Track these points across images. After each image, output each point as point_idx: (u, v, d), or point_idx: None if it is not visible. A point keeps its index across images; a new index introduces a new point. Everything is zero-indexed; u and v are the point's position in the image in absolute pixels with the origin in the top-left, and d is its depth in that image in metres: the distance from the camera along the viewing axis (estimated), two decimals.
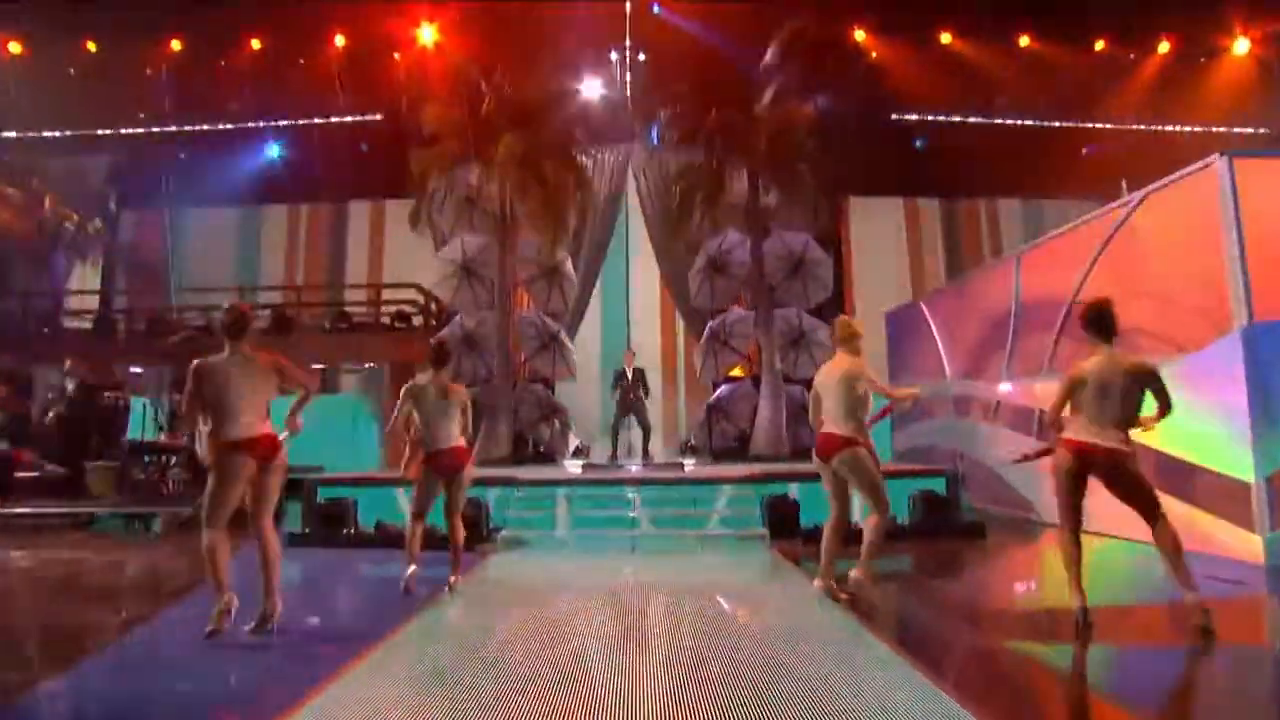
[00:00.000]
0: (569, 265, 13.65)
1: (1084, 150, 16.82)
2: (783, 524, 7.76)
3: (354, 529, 7.80)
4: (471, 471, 5.45)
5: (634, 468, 9.61)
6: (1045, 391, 8.10)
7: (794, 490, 8.26)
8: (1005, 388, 9.09)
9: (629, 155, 14.75)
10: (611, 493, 8.13)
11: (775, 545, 7.37)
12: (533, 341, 13.81)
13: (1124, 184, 7.83)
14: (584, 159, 13.34)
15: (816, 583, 5.13)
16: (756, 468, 11.01)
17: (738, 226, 13.90)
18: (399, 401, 5.31)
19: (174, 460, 10.81)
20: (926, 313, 11.32)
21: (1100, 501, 4.20)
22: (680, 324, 15.03)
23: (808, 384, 13.89)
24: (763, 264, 12.84)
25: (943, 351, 10.70)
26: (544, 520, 7.81)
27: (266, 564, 4.34)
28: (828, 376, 5.03)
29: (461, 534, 5.46)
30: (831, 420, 4.92)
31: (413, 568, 5.31)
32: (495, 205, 12.86)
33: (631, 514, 7.75)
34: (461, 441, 5.28)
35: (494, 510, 8.02)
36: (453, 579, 5.39)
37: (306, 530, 7.84)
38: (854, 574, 4.96)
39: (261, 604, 4.31)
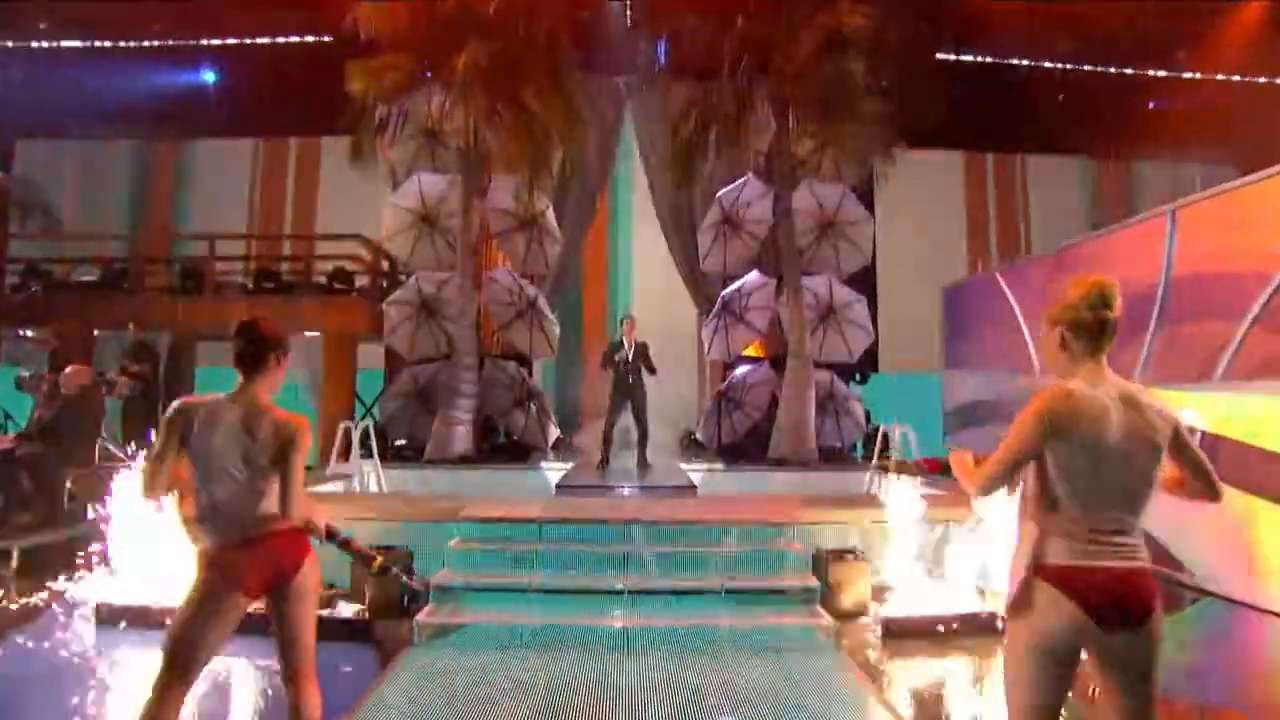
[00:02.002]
0: (551, 216, 10.90)
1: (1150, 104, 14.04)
2: (848, 599, 5.24)
3: None
4: (312, 582, 2.75)
5: (625, 490, 7.01)
6: (1214, 404, 5.57)
7: (857, 540, 5.76)
8: None
9: (628, 86, 11.88)
10: (593, 542, 5.54)
11: (841, 639, 4.85)
12: (505, 309, 11.11)
13: None
14: (573, 84, 10.51)
15: None
16: (781, 479, 8.54)
17: (759, 174, 11.21)
18: (157, 437, 2.64)
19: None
20: (1005, 288, 8.70)
21: None
22: (685, 292, 12.26)
23: (840, 370, 11.61)
24: (791, 221, 10.12)
25: (1030, 340, 8.12)
26: (490, 597, 5.18)
27: None
28: (1101, 419, 2.24)
29: (313, 708, 2.77)
30: (1114, 521, 2.22)
31: None
32: (461, 139, 10.13)
33: (619, 585, 5.15)
34: (285, 522, 2.61)
35: (420, 564, 5.46)
36: None
37: None
38: None
39: None
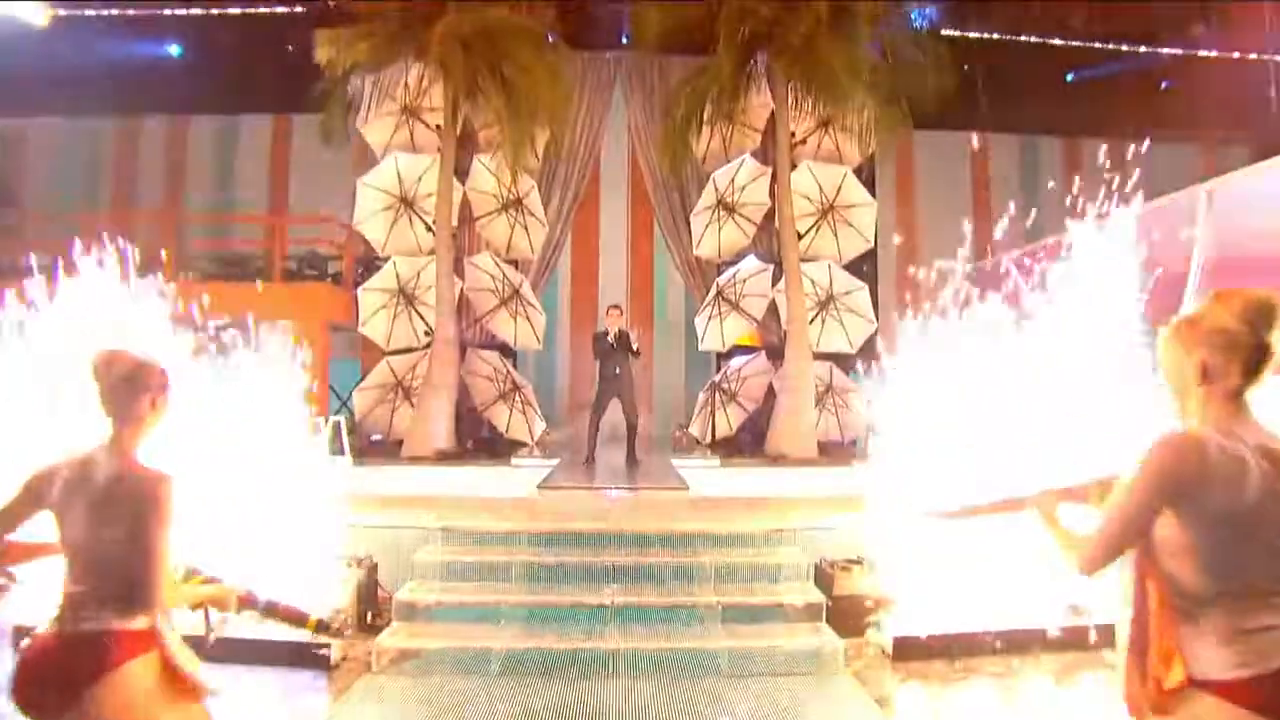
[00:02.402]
0: (536, 198, 10.34)
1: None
2: (855, 615, 4.77)
3: None
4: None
5: (613, 493, 6.50)
6: None
7: (860, 542, 5.28)
8: None
9: (619, 61, 11.29)
10: (576, 550, 5.05)
11: (849, 660, 4.39)
12: (488, 296, 10.57)
13: None
14: (559, 58, 9.94)
15: None
16: (779, 477, 8.06)
17: (756, 155, 10.69)
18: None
19: None
20: None
21: None
22: (678, 279, 11.72)
23: (837, 359, 11.13)
24: (790, 204, 9.61)
25: None
26: (460, 614, 4.68)
27: None
28: (1238, 480, 1.61)
29: None
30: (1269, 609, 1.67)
31: None
32: (440, 115, 9.58)
33: (607, 599, 4.67)
34: (131, 615, 2.03)
35: (386, 577, 4.98)
36: None
37: None
38: None
39: None
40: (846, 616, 4.75)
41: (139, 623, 1.94)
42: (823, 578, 4.99)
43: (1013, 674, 4.31)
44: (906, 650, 4.46)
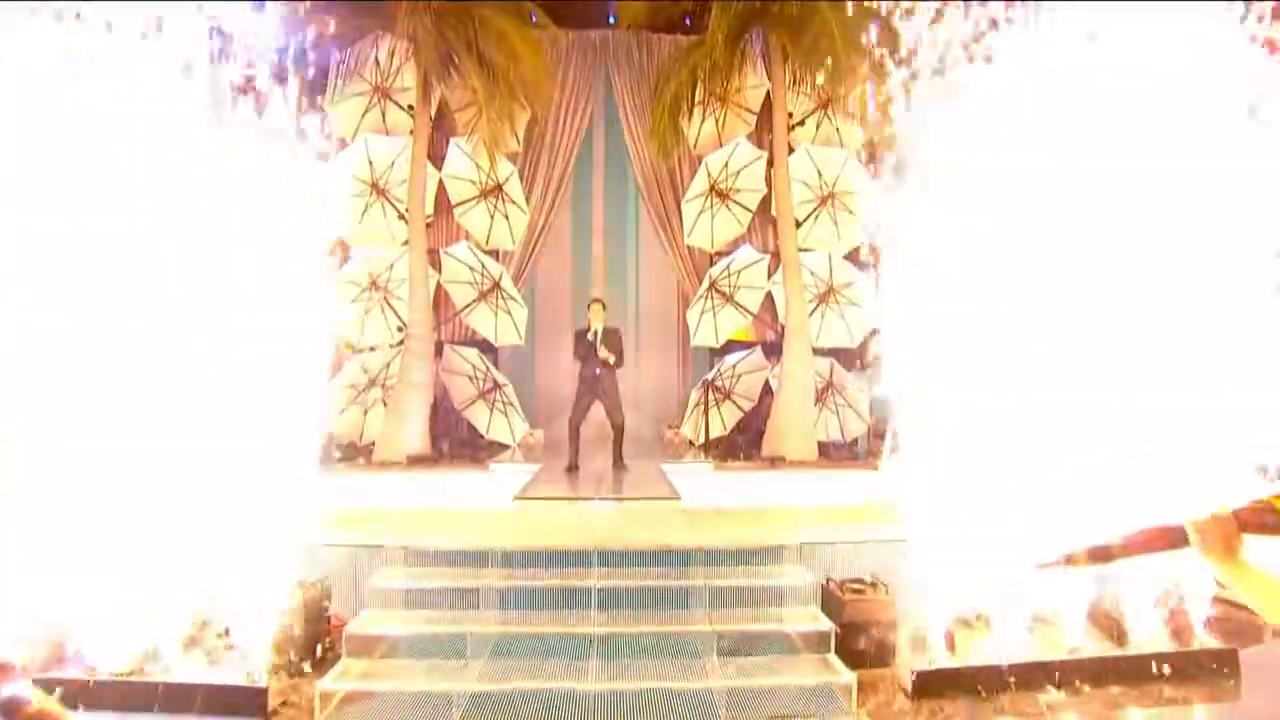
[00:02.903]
0: (517, 184, 9.76)
1: None
2: (869, 644, 4.24)
3: None
4: None
5: (597, 505, 5.92)
6: None
7: (868, 558, 4.78)
8: None
9: (605, 41, 10.70)
10: (554, 572, 4.50)
11: (863, 698, 3.86)
12: (466, 289, 9.99)
13: None
14: (541, 34, 9.36)
15: None
16: (778, 481, 7.54)
17: (752, 138, 10.14)
18: None
19: None
20: None
21: None
22: (668, 270, 11.15)
23: (838, 355, 10.60)
24: (788, 190, 9.05)
25: None
26: (421, 648, 4.12)
27: None
28: None
29: None
30: None
31: None
32: (413, 95, 8.99)
33: (588, 628, 4.13)
34: None
35: (340, 604, 4.43)
36: None
37: None
38: None
39: None
40: (858, 646, 4.24)
41: None
42: (831, 601, 4.47)
43: (1050, 714, 3.80)
44: (929, 685, 3.94)
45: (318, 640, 4.24)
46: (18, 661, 3.42)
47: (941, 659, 4.09)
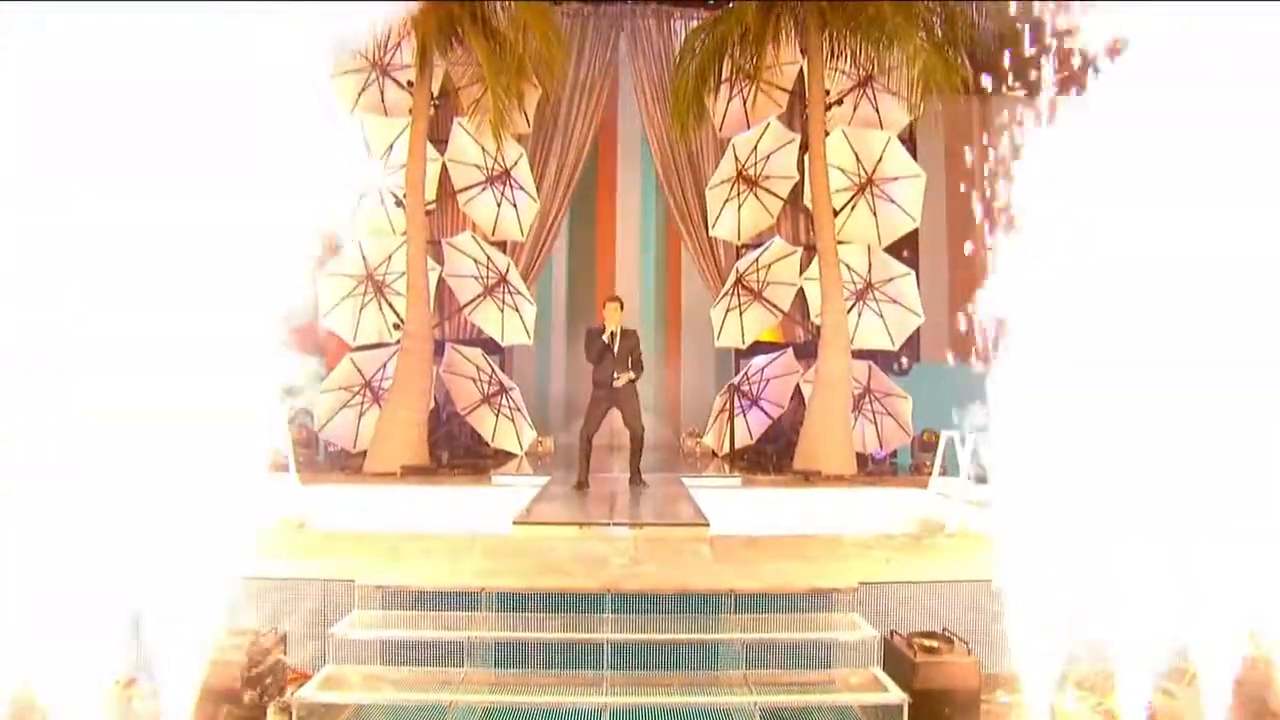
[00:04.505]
0: (526, 170, 9.02)
1: None
2: (943, 714, 3.43)
3: None
4: None
5: (617, 530, 5.15)
6: None
7: (932, 604, 3.98)
8: None
9: (624, 13, 9.95)
10: (559, 617, 3.74)
11: None
12: (470, 284, 9.27)
13: None
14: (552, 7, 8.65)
15: None
16: (814, 501, 6.74)
17: (783, 119, 9.35)
18: None
19: None
20: None
21: None
22: (690, 264, 10.35)
23: (877, 357, 9.74)
24: (824, 176, 8.23)
25: None
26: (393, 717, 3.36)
27: None
28: None
29: None
30: None
31: None
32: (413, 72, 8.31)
33: (599, 697, 3.37)
34: None
35: (298, 655, 3.69)
36: None
37: None
38: None
39: None
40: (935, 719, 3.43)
41: None
42: (898, 661, 3.66)
43: None
44: None
45: (265, 703, 3.49)
46: None
47: None
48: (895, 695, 3.44)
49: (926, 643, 3.67)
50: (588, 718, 3.33)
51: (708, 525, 5.12)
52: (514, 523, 5.08)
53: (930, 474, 7.06)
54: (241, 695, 3.34)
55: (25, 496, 3.11)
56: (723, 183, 9.25)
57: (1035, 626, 3.40)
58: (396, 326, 8.81)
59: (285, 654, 3.73)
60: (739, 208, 9.47)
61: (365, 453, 8.07)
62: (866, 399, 9.18)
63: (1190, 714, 3.36)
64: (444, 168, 9.22)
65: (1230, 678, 3.30)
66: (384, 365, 8.90)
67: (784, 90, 9.41)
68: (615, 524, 5.19)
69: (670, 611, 3.85)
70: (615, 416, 6.93)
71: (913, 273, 9.20)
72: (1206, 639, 3.28)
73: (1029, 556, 3.39)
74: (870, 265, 9.32)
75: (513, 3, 7.79)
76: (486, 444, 9.12)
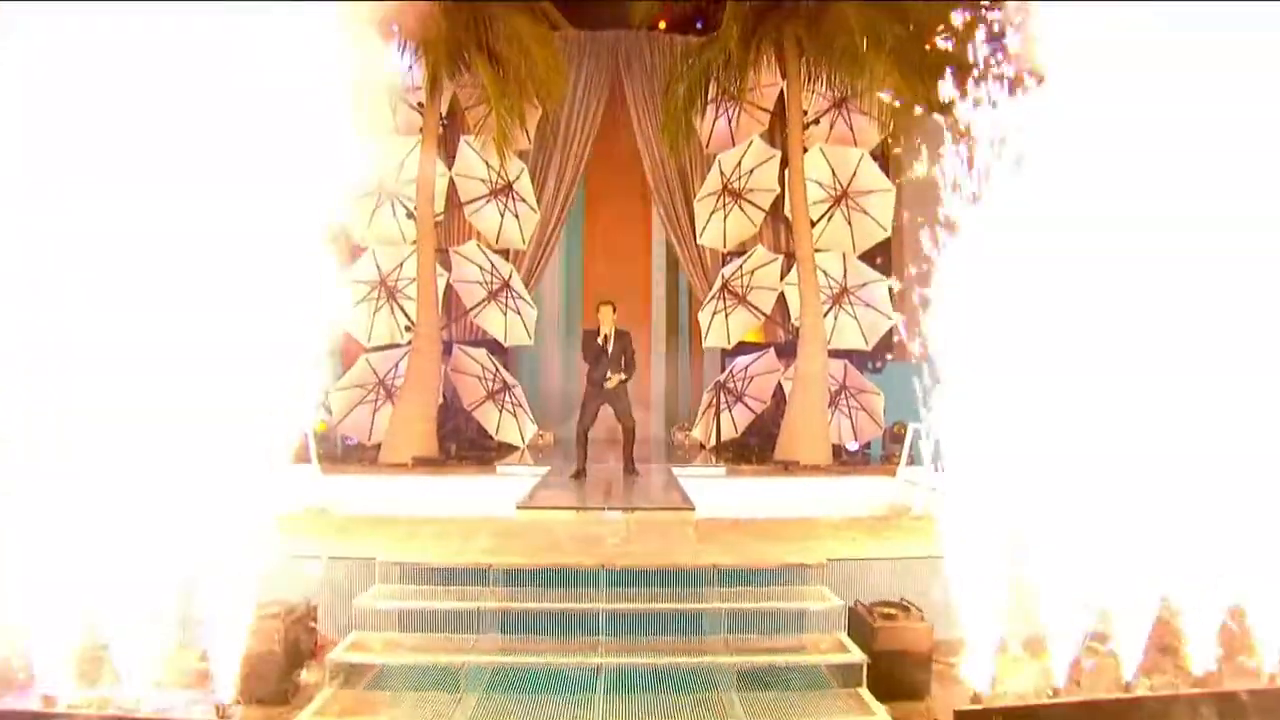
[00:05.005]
0: (528, 183, 9.26)
1: None
2: (902, 676, 3.71)
3: None
4: None
5: (606, 515, 5.42)
6: None
7: (899, 578, 4.25)
8: None
9: (618, 40, 10.17)
10: (559, 592, 4.00)
11: None
12: (475, 289, 9.51)
13: None
14: (553, 33, 8.87)
15: None
16: (792, 488, 7.01)
17: (765, 137, 9.61)
18: None
19: None
20: None
21: None
22: (680, 270, 10.61)
23: (852, 356, 10.03)
24: (802, 189, 8.50)
25: None
26: (412, 678, 3.61)
27: None
28: None
29: None
30: None
31: None
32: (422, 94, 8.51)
33: (595, 658, 3.63)
34: None
35: (329, 624, 3.94)
36: None
37: None
38: None
39: None
40: (892, 678, 3.70)
41: None
42: (860, 626, 3.92)
43: None
44: None
45: (299, 665, 3.74)
46: None
47: (985, 694, 3.55)
48: (857, 656, 3.71)
49: (886, 611, 3.95)
50: (584, 677, 3.58)
51: (693, 509, 5.38)
52: (518, 507, 5.33)
53: (899, 463, 7.35)
54: (279, 658, 3.60)
55: (87, 487, 3.36)
56: (709, 195, 9.50)
57: (980, 597, 3.68)
58: (408, 329, 9.03)
59: (315, 623, 3.98)
60: (725, 218, 9.72)
61: (379, 445, 8.30)
62: (842, 395, 9.44)
63: (1111, 668, 3.64)
64: (451, 182, 9.45)
65: (1143, 636, 3.60)
66: (396, 365, 9.12)
67: (765, 110, 9.68)
68: (609, 508, 5.44)
69: (658, 585, 4.11)
70: (610, 412, 7.19)
71: (884, 278, 9.47)
72: (1124, 604, 3.58)
73: (973, 535, 3.67)
74: (845, 271, 9.59)
75: (516, 30, 8.02)
76: (491, 437, 9.34)
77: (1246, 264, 3.60)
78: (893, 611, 3.93)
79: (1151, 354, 3.51)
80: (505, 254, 9.60)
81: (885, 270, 9.78)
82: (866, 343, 9.68)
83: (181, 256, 3.67)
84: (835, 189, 9.56)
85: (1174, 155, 3.56)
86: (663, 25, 10.41)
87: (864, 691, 3.60)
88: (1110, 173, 3.63)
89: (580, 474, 6.68)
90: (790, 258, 9.24)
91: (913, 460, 7.08)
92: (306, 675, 3.76)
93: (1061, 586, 3.57)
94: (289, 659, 3.67)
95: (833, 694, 3.59)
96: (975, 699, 3.50)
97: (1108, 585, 3.52)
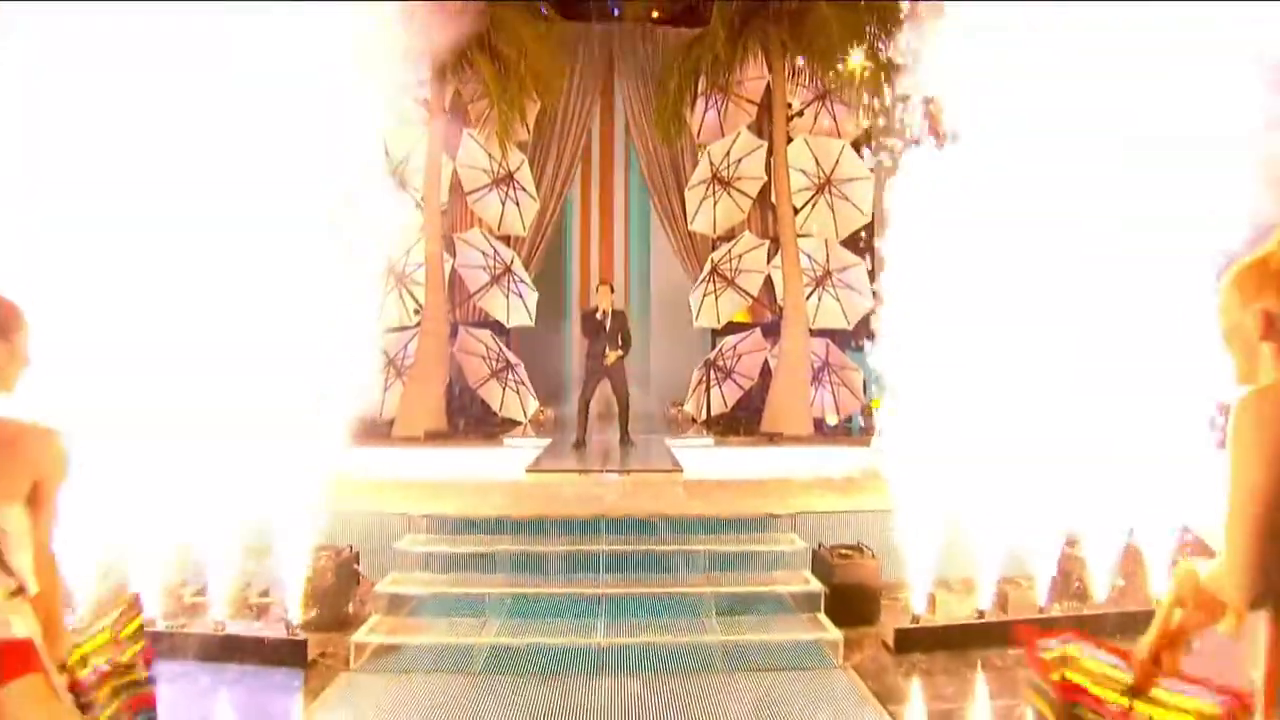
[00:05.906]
0: (527, 173, 9.90)
1: None
2: (856, 605, 4.47)
3: None
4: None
5: (605, 477, 6.18)
6: None
7: (857, 527, 5.00)
8: None
9: (612, 33, 10.76)
10: (563, 539, 4.75)
11: (849, 653, 4.09)
12: (479, 273, 10.18)
13: None
14: (551, 30, 9.46)
15: None
16: (775, 456, 7.76)
17: (753, 128, 10.25)
18: None
19: None
20: None
21: None
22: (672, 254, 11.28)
23: (833, 335, 10.78)
24: (786, 178, 9.18)
25: None
26: (442, 607, 4.36)
27: None
28: None
29: None
30: None
31: None
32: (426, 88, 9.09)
33: (596, 590, 4.38)
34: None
35: (368, 566, 4.68)
36: None
37: None
38: None
39: None
40: (847, 606, 4.46)
41: (17, 630, 1.59)
42: (821, 565, 4.68)
43: (1016, 665, 4.02)
44: (909, 642, 4.17)
45: (349, 599, 4.49)
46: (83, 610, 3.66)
47: (921, 618, 4.31)
48: (816, 587, 4.47)
49: (844, 552, 4.71)
50: (589, 606, 4.32)
51: (683, 471, 6.12)
52: (527, 470, 6.07)
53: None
54: (332, 593, 4.34)
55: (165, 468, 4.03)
56: (700, 183, 10.16)
57: (920, 542, 4.43)
58: (416, 311, 9.71)
59: (359, 565, 4.73)
60: (714, 205, 10.38)
61: (392, 421, 9.01)
62: (825, 371, 10.17)
63: (1028, 599, 4.41)
64: (455, 172, 10.07)
65: (1053, 570, 4.37)
66: (405, 345, 9.79)
67: (753, 103, 10.30)
68: (608, 471, 6.18)
69: (650, 531, 4.85)
70: (609, 385, 7.91)
71: (863, 262, 10.16)
72: (1037, 544, 4.34)
73: (914, 490, 4.41)
74: (828, 255, 10.27)
75: (515, 28, 8.61)
76: (495, 413, 10.06)
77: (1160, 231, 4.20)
78: (849, 552, 4.69)
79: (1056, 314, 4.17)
80: (507, 240, 10.26)
81: (866, 253, 10.48)
82: (848, 322, 10.39)
83: (225, 259, 4.29)
84: (819, 177, 10.22)
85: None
86: (656, 14, 11.01)
87: (822, 616, 4.35)
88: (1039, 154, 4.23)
89: (581, 442, 7.41)
90: (776, 242, 9.91)
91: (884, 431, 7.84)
92: (352, 609, 4.51)
93: (988, 531, 4.33)
94: (340, 594, 4.42)
95: (796, 618, 4.35)
96: (915, 620, 4.27)
97: (1026, 528, 4.28)
